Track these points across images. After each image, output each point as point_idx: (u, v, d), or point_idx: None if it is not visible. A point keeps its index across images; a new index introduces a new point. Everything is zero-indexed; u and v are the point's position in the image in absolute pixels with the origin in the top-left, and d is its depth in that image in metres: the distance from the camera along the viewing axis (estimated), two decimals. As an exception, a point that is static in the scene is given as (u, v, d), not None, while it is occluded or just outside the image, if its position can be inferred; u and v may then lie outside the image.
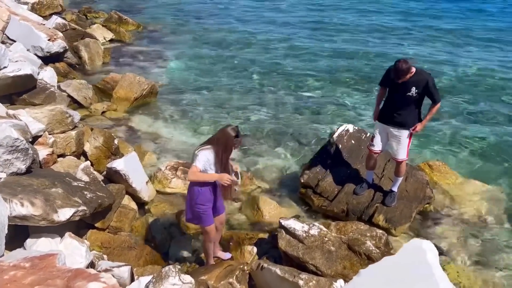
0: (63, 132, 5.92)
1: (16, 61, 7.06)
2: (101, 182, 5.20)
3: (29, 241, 3.99)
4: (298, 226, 4.56)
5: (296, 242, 4.47)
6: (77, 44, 9.92)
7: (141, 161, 5.91)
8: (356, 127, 6.45)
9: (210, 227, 4.21)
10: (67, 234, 4.12)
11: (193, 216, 4.17)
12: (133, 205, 5.40)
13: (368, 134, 6.27)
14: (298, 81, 9.95)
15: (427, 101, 5.04)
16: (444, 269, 4.53)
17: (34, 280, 3.09)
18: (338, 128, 6.43)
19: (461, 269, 4.86)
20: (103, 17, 13.38)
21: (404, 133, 5.11)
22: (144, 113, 8.04)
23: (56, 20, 10.26)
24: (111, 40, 11.65)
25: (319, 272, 4.22)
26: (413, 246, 3.27)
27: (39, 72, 7.39)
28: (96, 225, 4.77)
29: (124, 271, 3.86)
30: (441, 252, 5.00)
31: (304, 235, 4.49)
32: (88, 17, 13.31)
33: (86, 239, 4.51)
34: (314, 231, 4.53)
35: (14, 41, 8.70)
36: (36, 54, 8.53)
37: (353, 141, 6.24)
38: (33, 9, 12.06)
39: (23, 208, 3.84)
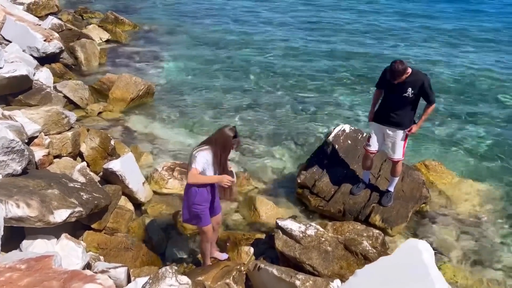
0: (59, 133, 5.90)
1: (12, 62, 7.02)
2: (98, 183, 5.18)
3: (25, 243, 3.98)
4: (295, 226, 4.57)
5: (293, 242, 4.48)
6: (73, 45, 9.88)
7: (137, 161, 5.90)
8: (353, 128, 6.47)
9: (207, 227, 4.21)
10: (63, 235, 4.11)
11: (190, 217, 4.17)
12: (130, 206, 5.39)
13: (365, 135, 6.29)
14: (294, 81, 9.95)
15: (423, 102, 5.06)
16: (440, 269, 4.56)
17: (30, 282, 3.08)
18: (334, 128, 6.45)
19: (457, 269, 4.88)
20: (99, 17, 13.33)
21: (400, 133, 5.13)
22: (141, 114, 8.03)
23: (52, 20, 10.21)
24: (107, 41, 11.60)
25: (316, 272, 4.24)
26: (409, 246, 3.28)
27: (35, 73, 7.37)
28: (93, 226, 4.76)
29: (120, 272, 3.86)
30: (437, 252, 5.02)
31: (301, 235, 4.50)
32: (84, 18, 13.25)
33: (82, 240, 4.50)
34: (311, 231, 4.54)
35: (10, 41, 8.66)
36: (32, 55, 8.48)
37: (349, 142, 6.26)
38: (28, 9, 11.99)
39: (19, 209, 3.82)
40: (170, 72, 10.18)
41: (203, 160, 3.86)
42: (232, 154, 4.14)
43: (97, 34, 11.50)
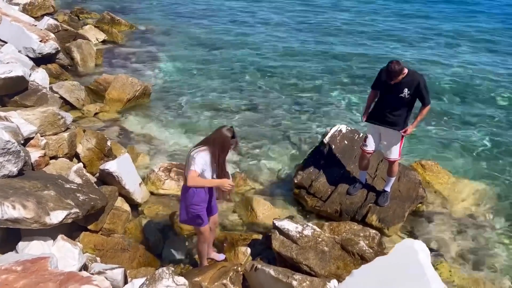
0: (55, 134, 5.88)
1: (8, 62, 7.00)
2: (94, 184, 5.17)
3: (21, 244, 3.96)
4: (291, 227, 4.57)
5: (290, 243, 4.49)
6: (69, 45, 9.86)
7: (134, 162, 5.89)
8: (349, 128, 6.48)
9: (205, 228, 4.20)
10: (59, 236, 4.09)
11: (188, 217, 4.15)
12: (126, 207, 5.38)
13: (361, 135, 6.31)
14: (291, 82, 9.96)
15: (419, 102, 5.07)
16: (436, 268, 4.59)
17: (26, 284, 3.07)
18: (331, 128, 6.45)
19: (454, 268, 4.89)
20: (95, 18, 13.30)
21: (396, 133, 5.14)
22: (137, 115, 8.02)
23: (48, 21, 10.19)
24: (103, 41, 11.57)
25: (312, 273, 4.24)
26: (405, 246, 3.30)
27: (30, 74, 7.34)
28: (89, 227, 4.75)
29: (117, 274, 3.85)
30: (433, 251, 5.03)
31: (298, 235, 4.50)
32: (80, 18, 13.21)
33: (79, 241, 4.49)
34: (307, 232, 4.55)
35: (5, 42, 8.63)
36: (27, 56, 8.46)
37: (346, 142, 6.27)
38: (24, 10, 11.96)
39: (15, 210, 3.81)
40: (166, 73, 10.17)
41: (202, 161, 3.84)
42: (229, 155, 4.12)
43: (94, 35, 11.47)
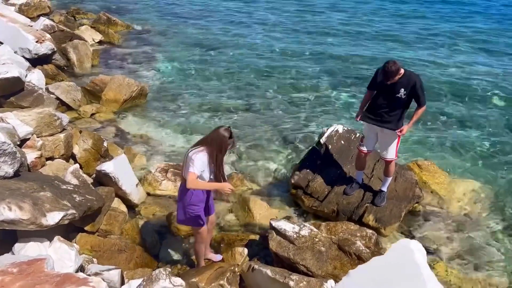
0: (52, 135, 5.87)
1: (3, 63, 6.97)
2: (91, 185, 5.16)
3: (17, 246, 3.95)
4: (288, 227, 4.57)
5: (287, 243, 4.49)
6: (65, 46, 9.83)
7: (130, 163, 5.88)
8: (346, 128, 6.49)
9: (202, 228, 4.20)
10: (56, 238, 4.09)
11: (185, 217, 4.14)
12: (123, 208, 5.37)
13: (358, 135, 6.32)
14: (287, 82, 9.97)
15: (414, 103, 5.08)
16: (433, 268, 4.61)
17: (22, 286, 3.07)
18: (327, 129, 6.46)
19: (450, 268, 4.91)
20: (91, 18, 13.27)
21: (393, 133, 5.15)
22: (134, 115, 8.00)
23: (44, 21, 10.15)
24: (100, 42, 11.55)
25: (309, 273, 4.24)
26: (401, 246, 3.31)
27: (26, 75, 7.31)
28: (86, 228, 4.74)
29: (114, 275, 3.85)
30: (430, 251, 5.05)
31: (295, 235, 4.51)
32: (77, 19, 13.17)
33: (75, 242, 4.48)
34: (304, 232, 4.55)
35: (1, 43, 8.58)
36: (23, 56, 8.42)
37: (342, 142, 6.28)
38: (20, 10, 11.91)
39: (11, 212, 3.80)
40: (163, 73, 10.16)
41: (200, 162, 3.82)
42: (226, 155, 4.12)
43: (90, 35, 11.44)
